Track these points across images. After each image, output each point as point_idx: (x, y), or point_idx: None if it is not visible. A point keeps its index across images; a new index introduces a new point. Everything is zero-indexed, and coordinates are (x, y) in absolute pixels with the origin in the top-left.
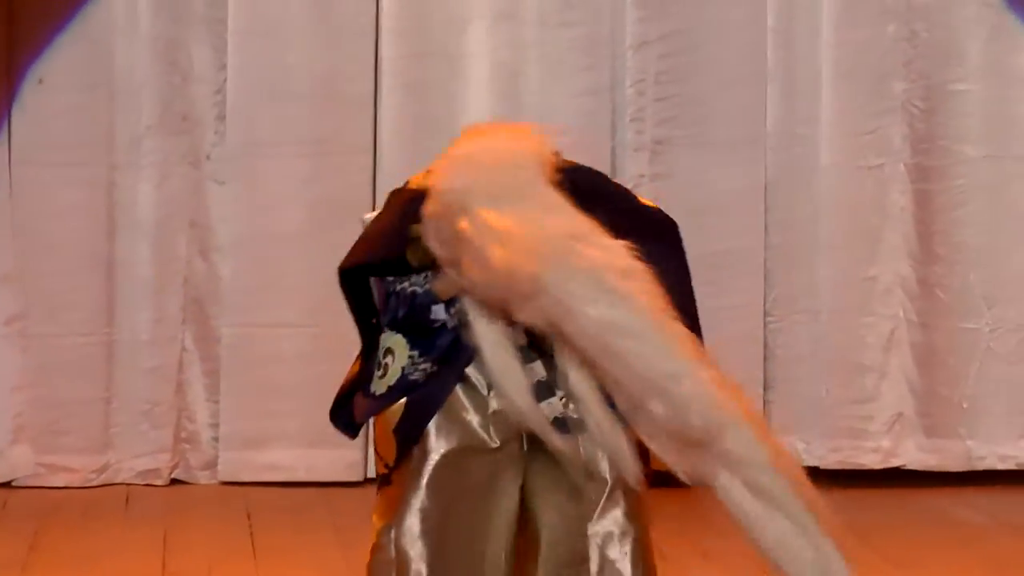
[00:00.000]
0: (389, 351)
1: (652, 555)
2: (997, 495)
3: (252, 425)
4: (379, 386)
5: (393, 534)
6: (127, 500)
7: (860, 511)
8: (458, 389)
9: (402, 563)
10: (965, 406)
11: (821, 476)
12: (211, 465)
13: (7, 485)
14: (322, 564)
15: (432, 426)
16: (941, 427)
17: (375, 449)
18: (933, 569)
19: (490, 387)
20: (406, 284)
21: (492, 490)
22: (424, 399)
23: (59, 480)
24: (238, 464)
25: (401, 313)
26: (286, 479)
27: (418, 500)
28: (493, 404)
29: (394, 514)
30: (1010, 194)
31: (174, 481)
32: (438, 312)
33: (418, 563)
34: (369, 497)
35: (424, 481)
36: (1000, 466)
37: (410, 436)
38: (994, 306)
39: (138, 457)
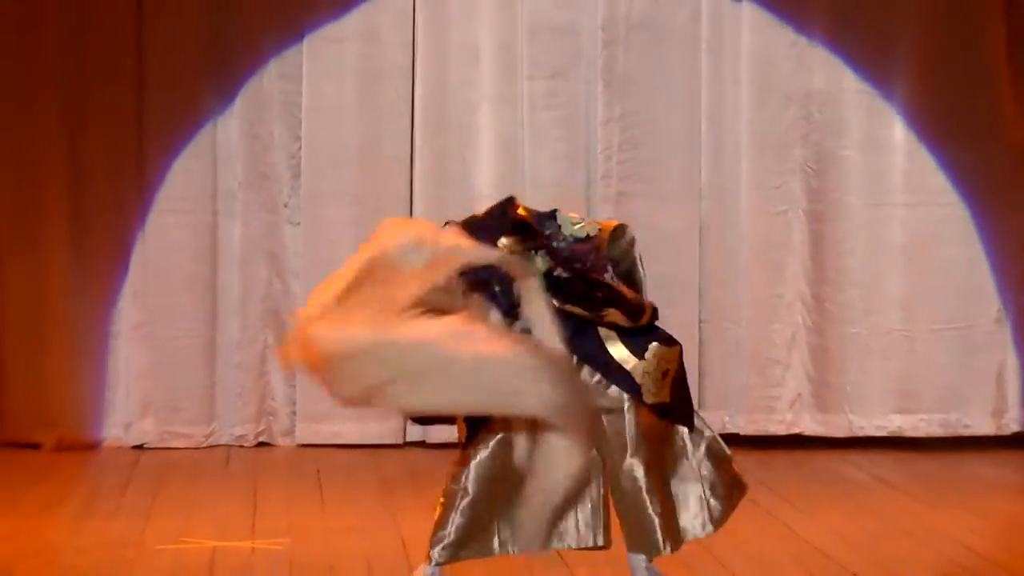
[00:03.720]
0: None
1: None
2: (872, 456)
3: (319, 403)
4: None
5: (463, 477)
6: (227, 459)
7: (769, 468)
8: None
9: (465, 492)
10: (848, 390)
11: (741, 441)
12: (289, 433)
13: (139, 447)
14: (369, 504)
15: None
16: (830, 405)
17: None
18: (823, 512)
19: None
20: None
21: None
22: None
23: (177, 443)
24: (310, 432)
25: None
26: (345, 442)
27: (482, 458)
28: None
29: (466, 465)
30: (882, 233)
31: (261, 444)
32: None
33: (471, 490)
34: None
35: (490, 448)
36: (875, 434)
37: (476, 426)
38: (871, 316)
39: (235, 426)
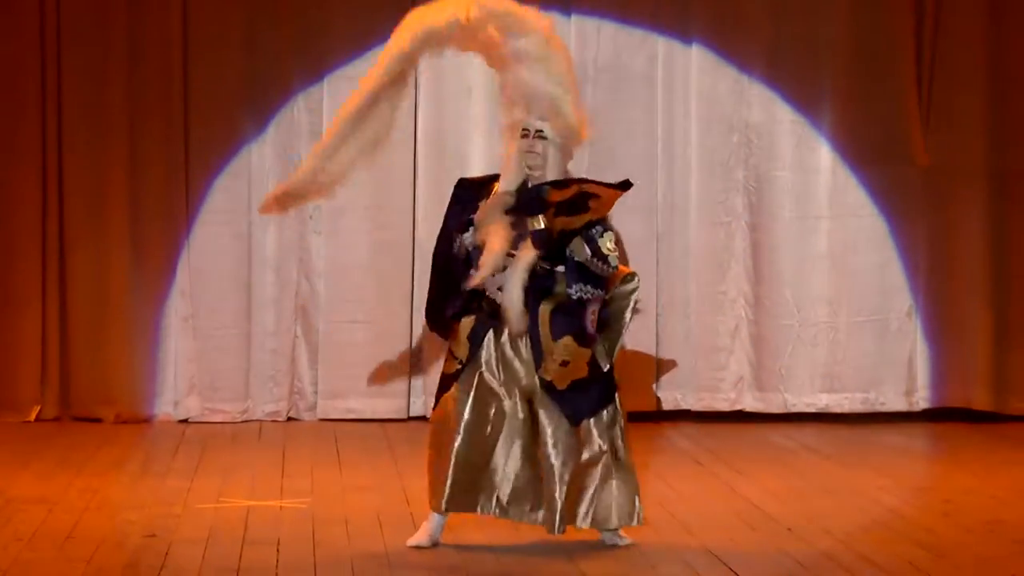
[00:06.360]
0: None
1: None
2: (802, 428)
3: (338, 383)
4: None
5: (455, 433)
6: (260, 431)
7: (716, 438)
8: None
9: (458, 417)
10: (783, 372)
11: (692, 416)
12: (312, 408)
13: (185, 421)
14: (379, 468)
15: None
16: (767, 385)
17: (450, 354)
18: (761, 475)
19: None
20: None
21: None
22: (484, 322)
23: (217, 418)
24: (330, 408)
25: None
26: (359, 416)
27: (470, 387)
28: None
29: (455, 422)
30: (810, 240)
31: (289, 419)
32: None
33: (463, 419)
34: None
35: (476, 377)
36: (806, 410)
37: (477, 339)
38: (801, 310)
39: (267, 404)
